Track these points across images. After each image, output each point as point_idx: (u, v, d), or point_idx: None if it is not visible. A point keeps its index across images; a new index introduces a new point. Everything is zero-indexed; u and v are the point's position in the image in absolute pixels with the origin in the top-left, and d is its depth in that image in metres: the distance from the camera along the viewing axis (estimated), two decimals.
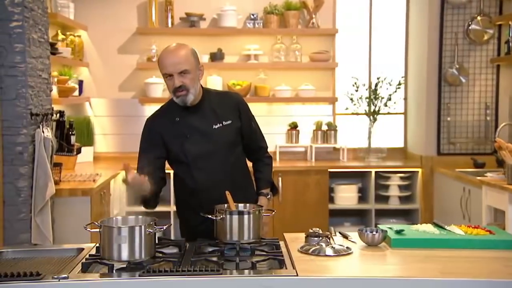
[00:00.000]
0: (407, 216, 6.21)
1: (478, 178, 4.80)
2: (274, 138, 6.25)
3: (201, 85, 3.10)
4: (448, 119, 5.90)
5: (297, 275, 2.28)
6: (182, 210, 3.24)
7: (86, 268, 2.37)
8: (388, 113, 6.29)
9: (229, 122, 3.09)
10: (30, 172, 3.91)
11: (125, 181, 2.72)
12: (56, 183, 4.56)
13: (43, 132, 3.95)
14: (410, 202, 6.11)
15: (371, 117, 6.18)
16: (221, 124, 3.07)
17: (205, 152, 3.03)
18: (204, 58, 6.11)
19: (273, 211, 2.84)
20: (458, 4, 5.79)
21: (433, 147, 5.94)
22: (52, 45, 5.11)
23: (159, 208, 5.84)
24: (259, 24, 6.19)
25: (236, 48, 6.24)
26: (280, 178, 5.72)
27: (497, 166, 5.33)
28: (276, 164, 5.91)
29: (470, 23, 5.81)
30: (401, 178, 6.06)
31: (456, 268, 2.37)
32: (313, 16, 6.18)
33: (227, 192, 2.85)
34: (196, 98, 3.02)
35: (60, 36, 5.57)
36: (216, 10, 6.15)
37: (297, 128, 6.27)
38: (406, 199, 6.14)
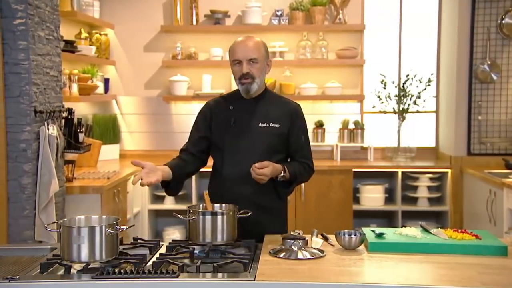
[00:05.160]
0: (437, 218, 5.99)
1: (502, 180, 4.56)
2: None
3: (265, 83, 3.13)
4: (479, 117, 5.64)
5: (254, 280, 2.18)
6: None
7: (45, 268, 2.33)
8: (417, 112, 6.07)
9: (277, 125, 3.04)
10: (34, 169, 3.92)
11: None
12: (70, 180, 4.59)
13: (48, 129, 3.96)
14: (440, 204, 5.88)
15: (400, 115, 5.97)
16: (267, 125, 3.04)
17: (242, 146, 3.02)
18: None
19: (249, 213, 2.73)
20: None
21: (463, 147, 5.69)
22: (71, 43, 5.16)
23: (180, 207, 5.86)
24: (285, 20, 6.07)
25: None
26: None
27: None
28: None
29: (503, 17, 5.54)
30: (430, 179, 5.83)
31: (426, 275, 2.22)
32: (340, 11, 6.02)
33: (205, 192, 2.78)
34: (258, 90, 3.04)
35: (83, 35, 5.60)
36: (241, 7, 6.08)
37: (323, 127, 6.13)
38: (436, 200, 5.91)
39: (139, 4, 6.19)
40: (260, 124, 3.03)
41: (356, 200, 5.84)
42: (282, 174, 2.94)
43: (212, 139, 3.09)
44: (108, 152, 5.97)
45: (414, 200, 5.86)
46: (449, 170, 5.73)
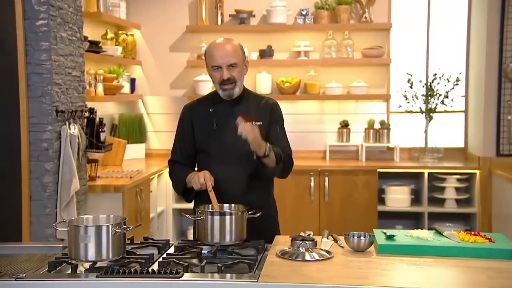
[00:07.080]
0: (466, 220, 5.87)
1: None
2: (325, 137, 6.09)
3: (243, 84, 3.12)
4: (509, 117, 5.52)
5: (257, 281, 2.16)
6: (197, 205, 3.17)
7: (53, 267, 2.35)
8: (445, 111, 5.96)
9: (259, 123, 3.02)
10: (55, 168, 3.97)
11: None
12: (93, 179, 4.64)
13: (69, 128, 4.01)
14: (468, 206, 5.76)
15: (427, 115, 5.88)
16: (250, 123, 2.99)
17: (227, 146, 3.01)
18: (253, 55, 6.04)
19: (259, 212, 2.71)
20: None
21: (492, 148, 5.57)
22: (96, 44, 5.21)
23: None
24: (310, 19, 6.04)
25: (286, 45, 6.13)
26: (326, 178, 5.56)
27: None
28: (326, 164, 5.78)
29: None
30: (458, 180, 5.72)
31: (434, 278, 2.17)
32: (366, 10, 5.96)
33: (209, 190, 2.78)
34: (239, 92, 3.03)
35: (110, 35, 5.66)
36: (266, 6, 6.06)
37: (348, 127, 6.07)
38: (464, 202, 5.79)
39: (164, 5, 6.23)
40: None
41: (381, 201, 5.77)
42: (268, 146, 2.87)
43: (196, 143, 3.08)
44: (134, 152, 6.02)
45: (441, 202, 5.76)
46: (477, 171, 5.61)
